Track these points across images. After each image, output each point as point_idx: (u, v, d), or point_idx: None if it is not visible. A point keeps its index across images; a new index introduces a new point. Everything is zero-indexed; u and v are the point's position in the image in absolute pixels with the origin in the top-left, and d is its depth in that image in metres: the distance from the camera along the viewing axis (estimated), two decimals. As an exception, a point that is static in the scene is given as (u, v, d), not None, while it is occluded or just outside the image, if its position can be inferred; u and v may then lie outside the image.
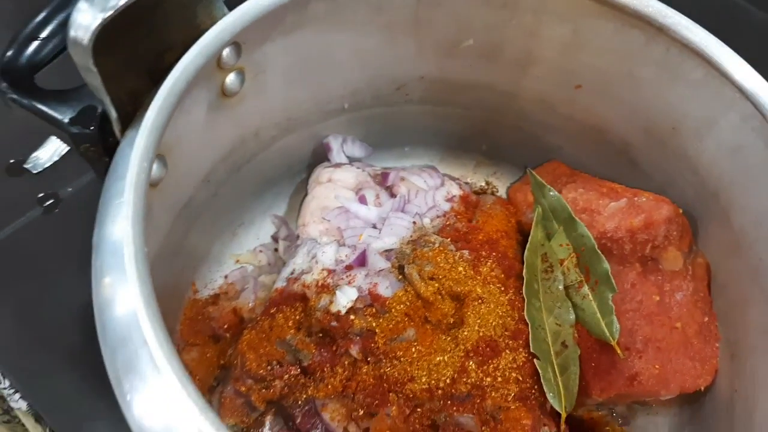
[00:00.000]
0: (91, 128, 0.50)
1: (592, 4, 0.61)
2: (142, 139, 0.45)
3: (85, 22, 0.43)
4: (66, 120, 0.50)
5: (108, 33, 0.46)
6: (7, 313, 0.78)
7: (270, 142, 0.73)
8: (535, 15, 0.65)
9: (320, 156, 0.79)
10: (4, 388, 0.77)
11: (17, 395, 0.77)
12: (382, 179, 0.74)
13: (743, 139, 0.59)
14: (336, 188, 0.73)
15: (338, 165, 0.76)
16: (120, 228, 0.45)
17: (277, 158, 0.76)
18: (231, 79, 0.61)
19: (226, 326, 0.70)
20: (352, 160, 0.78)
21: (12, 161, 0.87)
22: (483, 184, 0.85)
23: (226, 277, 0.75)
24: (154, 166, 0.53)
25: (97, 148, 0.51)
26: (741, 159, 0.60)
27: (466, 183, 0.77)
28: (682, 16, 0.58)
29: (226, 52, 0.57)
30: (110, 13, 0.43)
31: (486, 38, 0.69)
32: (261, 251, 0.78)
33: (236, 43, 0.58)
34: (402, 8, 0.65)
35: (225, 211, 0.74)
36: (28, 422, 0.80)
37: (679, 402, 0.70)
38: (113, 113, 0.48)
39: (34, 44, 0.54)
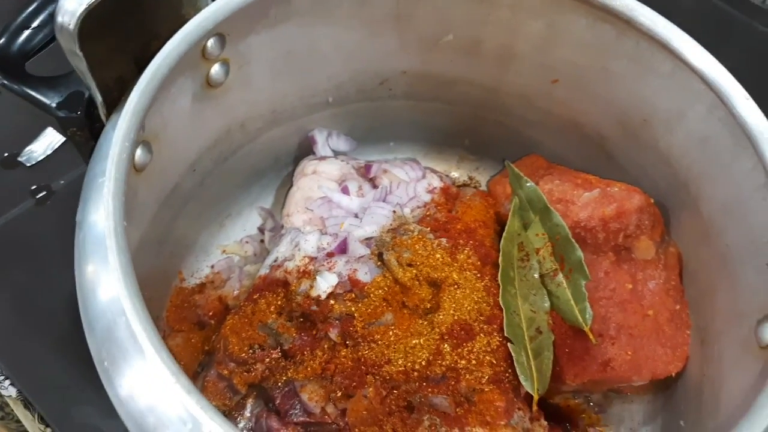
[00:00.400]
0: (78, 113, 0.52)
1: (565, -1, 0.64)
2: (125, 120, 0.47)
3: (72, 7, 0.45)
4: (53, 104, 0.52)
5: (94, 20, 0.48)
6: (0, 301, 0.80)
7: (256, 134, 0.75)
8: (511, 11, 0.67)
9: (306, 149, 0.81)
10: (-5, 375, 0.79)
11: (7, 382, 0.79)
12: (365, 171, 0.76)
13: (710, 130, 0.61)
14: (320, 180, 0.75)
15: (323, 158, 0.78)
16: (102, 206, 0.46)
17: (263, 150, 0.78)
18: (216, 69, 0.63)
19: (211, 313, 0.72)
20: (337, 154, 0.80)
21: (6, 154, 0.89)
22: (466, 179, 0.87)
23: (212, 266, 0.77)
24: (139, 151, 0.56)
25: (84, 132, 0.53)
26: (708, 149, 0.62)
27: (447, 176, 0.79)
28: (649, 9, 0.60)
29: (210, 42, 0.59)
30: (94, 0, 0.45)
31: (466, 33, 0.71)
32: (247, 242, 0.80)
33: (220, 35, 0.60)
34: (384, 3, 0.67)
35: (212, 201, 0.76)
36: (18, 409, 0.81)
37: (652, 389, 0.71)
38: (99, 98, 0.50)
39: (26, 33, 0.56)
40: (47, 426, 0.76)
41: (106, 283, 0.49)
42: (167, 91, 0.57)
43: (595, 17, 0.64)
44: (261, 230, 0.81)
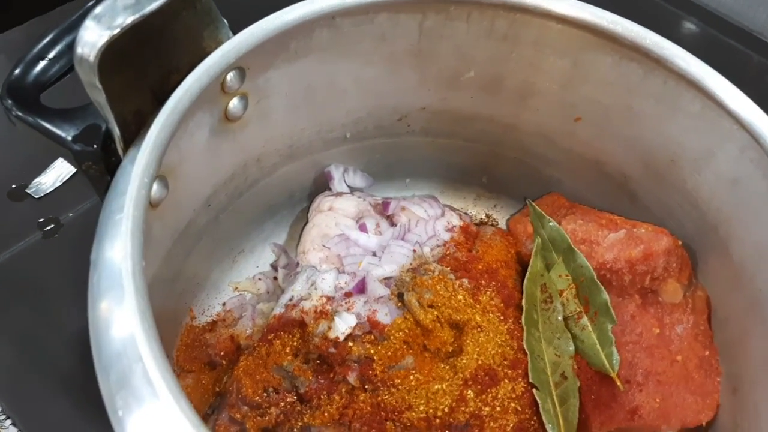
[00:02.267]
0: (94, 146, 0.50)
1: (591, 37, 0.63)
2: (144, 155, 0.45)
3: (92, 39, 0.44)
4: (69, 138, 0.51)
5: (114, 52, 0.46)
6: (3, 338, 0.78)
7: (272, 168, 0.73)
8: (535, 48, 0.66)
9: (322, 185, 0.79)
10: (-4, 414, 0.76)
11: (8, 421, 0.76)
12: (382, 208, 0.75)
13: (741, 171, 0.59)
14: (337, 216, 0.73)
15: (339, 194, 0.76)
16: (118, 244, 0.44)
17: (278, 185, 0.76)
18: (234, 103, 0.61)
19: (222, 353, 0.69)
20: (353, 190, 0.79)
21: (14, 186, 0.87)
22: (483, 216, 0.85)
23: (224, 304, 0.75)
24: (155, 186, 0.54)
25: (100, 166, 0.52)
26: (740, 191, 0.60)
27: (466, 214, 0.77)
28: (679, 47, 0.59)
29: (230, 76, 0.58)
30: (116, 31, 0.44)
31: (487, 70, 0.70)
32: (260, 279, 0.77)
33: (240, 68, 0.59)
34: (405, 39, 0.66)
35: (225, 237, 0.74)
36: (18, 450, 0.78)
37: (680, 438, 0.69)
38: (117, 131, 0.49)
39: (42, 64, 0.55)
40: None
41: (120, 323, 0.46)
42: (186, 125, 0.55)
43: (621, 55, 0.62)
44: (274, 267, 0.79)
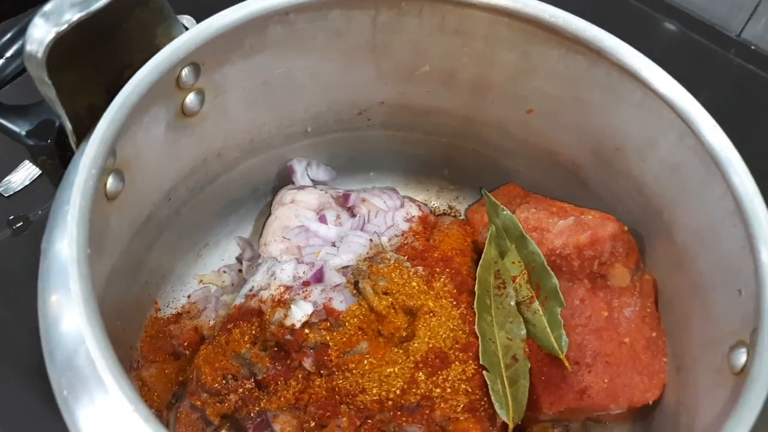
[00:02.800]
0: (48, 141, 0.52)
1: (538, 30, 0.65)
2: (92, 147, 0.47)
3: (39, 36, 0.45)
4: (23, 133, 0.52)
5: (64, 48, 0.48)
6: (-27, 332, 0.79)
7: (233, 163, 0.75)
8: (485, 42, 0.68)
9: (285, 179, 0.81)
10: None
11: (-21, 414, 0.77)
12: (343, 200, 0.77)
13: (681, 158, 0.61)
14: (298, 209, 0.75)
15: (302, 187, 0.78)
16: (66, 235, 0.46)
17: (241, 180, 0.78)
18: (191, 98, 0.63)
19: (186, 344, 0.71)
20: (316, 184, 0.81)
21: (-17, 184, 0.89)
22: (446, 208, 0.87)
23: (189, 296, 0.77)
24: (111, 180, 0.56)
25: (54, 160, 0.53)
26: (680, 177, 0.62)
27: (425, 205, 0.79)
28: (618, 40, 0.61)
29: (184, 72, 0.60)
30: (64, 27, 0.45)
31: (441, 65, 0.72)
32: (225, 272, 0.79)
33: (195, 64, 0.60)
34: (359, 34, 0.68)
35: (188, 231, 0.76)
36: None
37: (630, 417, 0.71)
38: (69, 126, 0.50)
39: (-1, 62, 0.57)
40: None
41: (68, 312, 0.48)
42: (140, 120, 0.57)
43: (567, 48, 0.64)
44: (239, 260, 0.81)
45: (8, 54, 0.57)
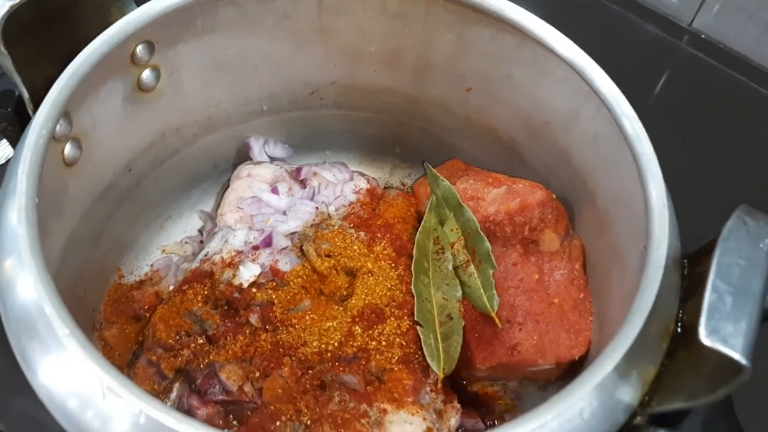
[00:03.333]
0: (8, 109, 0.57)
1: (470, 12, 0.70)
2: (44, 109, 0.51)
3: (-6, 9, 0.50)
4: (-15, 101, 0.57)
5: (20, 23, 0.53)
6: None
7: (192, 139, 0.80)
8: (424, 24, 0.73)
9: (244, 155, 0.86)
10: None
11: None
12: (296, 174, 0.81)
13: (599, 128, 0.66)
14: (253, 182, 0.80)
15: (259, 162, 0.83)
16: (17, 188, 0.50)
17: (201, 156, 0.83)
18: (147, 75, 0.68)
19: (146, 307, 0.76)
20: (273, 160, 0.85)
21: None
22: (399, 185, 0.92)
23: (151, 265, 0.82)
24: (68, 147, 0.61)
25: (15, 127, 0.58)
26: (599, 146, 0.67)
27: (374, 179, 0.84)
28: (540, 20, 0.66)
29: (139, 48, 0.65)
30: (17, 2, 0.50)
31: (385, 46, 0.77)
32: (187, 243, 0.84)
33: (149, 42, 0.65)
34: (306, 16, 0.73)
35: (151, 203, 0.80)
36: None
37: (563, 377, 0.76)
38: (25, 94, 0.55)
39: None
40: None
41: (22, 276, 0.50)
42: (96, 92, 0.62)
43: (496, 28, 0.69)
44: (201, 232, 0.85)
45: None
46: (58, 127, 0.57)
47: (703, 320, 0.41)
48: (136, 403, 0.44)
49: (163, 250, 0.83)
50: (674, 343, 0.49)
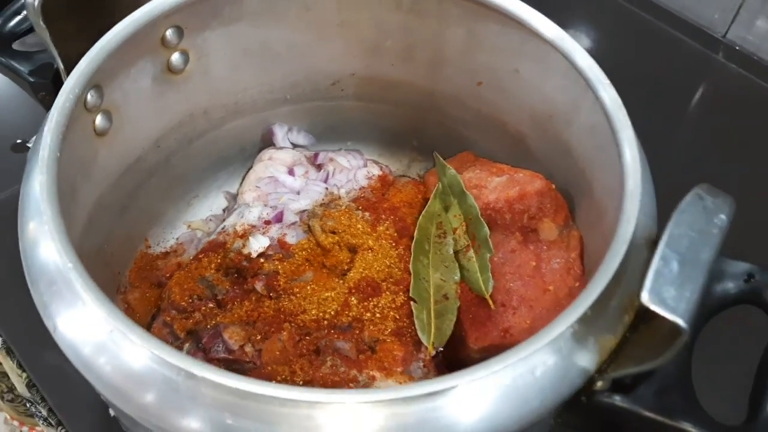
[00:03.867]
0: (47, 79, 0.63)
1: (478, 8, 0.73)
2: (73, 75, 0.58)
3: (35, -13, 0.57)
4: (26, 71, 0.64)
5: (60, 1, 0.60)
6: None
7: (220, 122, 0.85)
8: (436, 19, 0.77)
9: (269, 141, 0.91)
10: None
11: (-3, 334, 0.90)
12: (313, 159, 0.86)
13: (595, 119, 0.68)
14: (273, 164, 0.85)
15: (281, 148, 0.88)
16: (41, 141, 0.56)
17: (228, 138, 0.88)
18: (176, 57, 0.74)
19: (168, 275, 0.82)
20: (296, 147, 0.91)
21: (19, 141, 1.02)
22: (416, 177, 0.96)
23: (177, 238, 0.88)
24: (99, 117, 0.67)
25: (52, 96, 0.64)
26: (595, 137, 0.69)
27: (387, 167, 0.88)
28: (541, 15, 0.69)
29: (169, 32, 0.71)
30: (54, -20, 0.57)
31: (401, 40, 0.81)
32: (211, 220, 0.90)
33: (178, 27, 0.71)
34: (326, 9, 0.78)
35: (179, 180, 0.86)
36: (4, 360, 0.92)
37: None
38: (61, 66, 0.62)
39: (17, 18, 0.69)
40: (23, 371, 0.86)
41: (44, 239, 0.55)
42: (127, 70, 0.69)
43: (503, 24, 0.73)
44: (224, 211, 0.91)
45: (24, 12, 0.69)
46: (89, 97, 0.64)
47: (647, 284, 0.44)
48: (144, 345, 0.49)
49: (189, 226, 0.89)
50: (639, 318, 0.51)
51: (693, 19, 1.25)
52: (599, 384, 0.50)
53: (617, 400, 0.49)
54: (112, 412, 0.74)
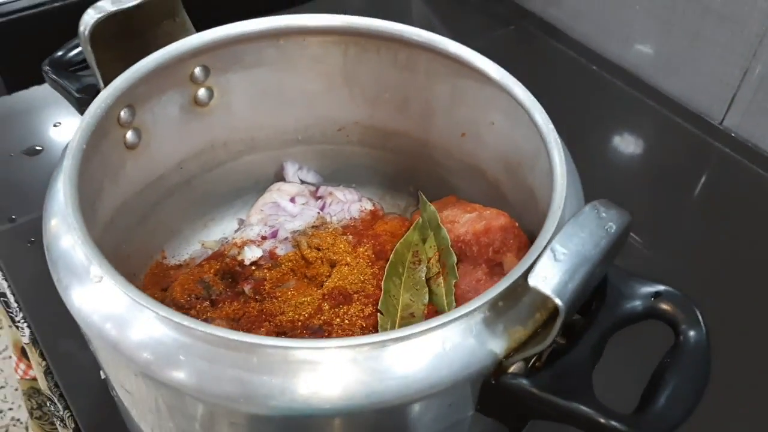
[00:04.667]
0: (90, 96, 0.77)
1: (460, 67, 0.85)
2: (108, 89, 0.71)
3: (86, 19, 0.71)
4: (74, 89, 0.78)
5: (105, 32, 0.74)
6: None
7: (237, 155, 0.98)
8: (426, 76, 0.89)
9: (282, 176, 1.03)
10: (18, 321, 1.02)
11: (26, 326, 1.02)
12: (315, 192, 0.98)
13: (548, 166, 0.78)
14: (280, 194, 0.97)
15: (290, 182, 1.00)
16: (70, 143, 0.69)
17: (244, 171, 1.01)
18: (202, 92, 0.88)
19: (176, 281, 0.92)
20: (304, 184, 1.02)
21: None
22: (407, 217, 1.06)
23: (191, 254, 0.99)
24: (130, 133, 0.80)
25: (93, 111, 0.78)
26: (550, 181, 0.79)
27: (379, 204, 0.99)
28: (509, 76, 0.80)
29: (197, 70, 0.85)
30: (102, 15, 0.71)
31: (397, 93, 0.93)
32: (224, 242, 1.01)
33: (205, 66, 0.85)
34: (334, 63, 0.91)
35: (197, 202, 0.98)
36: (31, 352, 1.03)
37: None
38: (102, 86, 0.76)
39: (75, 50, 0.84)
40: (44, 359, 0.97)
41: (66, 232, 0.66)
42: (158, 96, 0.82)
43: (481, 82, 0.84)
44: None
45: (82, 46, 0.84)
46: (123, 113, 0.77)
47: (535, 269, 0.52)
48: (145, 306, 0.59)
49: (203, 244, 1.00)
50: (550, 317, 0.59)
51: (692, 107, 1.35)
52: (509, 369, 0.57)
53: (520, 382, 0.56)
54: (102, 375, 0.82)
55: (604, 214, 0.55)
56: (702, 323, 0.60)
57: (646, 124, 1.40)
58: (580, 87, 1.46)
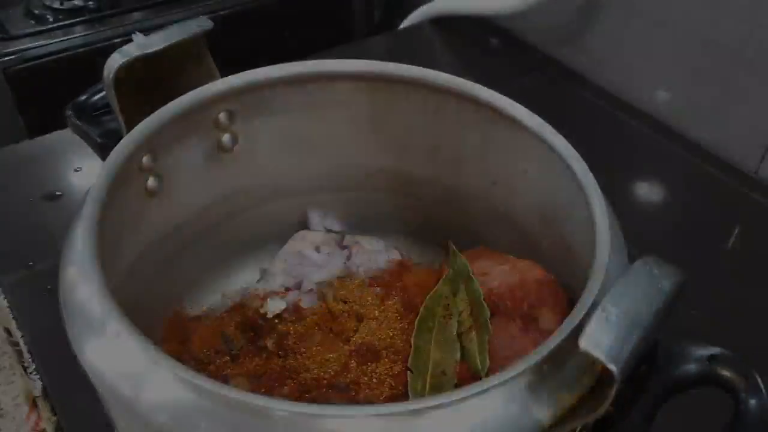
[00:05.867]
0: (112, 140, 0.75)
1: (492, 114, 0.82)
2: (130, 135, 0.69)
3: (111, 63, 0.70)
4: (96, 134, 0.76)
5: (129, 77, 0.72)
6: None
7: (260, 202, 0.95)
8: (457, 123, 0.87)
9: (306, 225, 1.00)
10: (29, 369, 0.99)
11: (37, 378, 0.98)
12: (340, 241, 0.94)
13: (588, 216, 0.74)
14: (304, 243, 0.93)
15: (314, 230, 0.97)
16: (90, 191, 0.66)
17: (267, 218, 0.98)
18: (226, 138, 0.85)
19: (194, 333, 0.89)
20: (328, 232, 0.99)
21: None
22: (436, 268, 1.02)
23: (211, 305, 0.95)
24: (151, 179, 0.78)
25: (114, 157, 0.76)
26: (591, 233, 0.75)
27: (407, 255, 0.95)
28: (546, 125, 0.77)
29: (222, 115, 0.83)
30: (126, 60, 0.69)
31: (426, 140, 0.90)
32: (246, 292, 0.97)
33: (230, 111, 0.83)
34: (361, 108, 0.89)
35: (219, 250, 0.95)
36: (41, 402, 0.99)
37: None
38: (124, 131, 0.73)
39: (99, 95, 0.82)
40: (54, 415, 0.93)
41: (82, 282, 0.63)
42: (181, 143, 0.80)
43: (514, 129, 0.81)
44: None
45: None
46: (145, 159, 0.75)
47: (586, 330, 0.48)
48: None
49: (223, 294, 0.97)
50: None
51: (724, 156, 1.31)
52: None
53: (570, 454, 0.51)
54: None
55: (656, 272, 0.51)
56: (764, 390, 0.55)
57: (675, 173, 1.36)
58: (607, 134, 1.43)
